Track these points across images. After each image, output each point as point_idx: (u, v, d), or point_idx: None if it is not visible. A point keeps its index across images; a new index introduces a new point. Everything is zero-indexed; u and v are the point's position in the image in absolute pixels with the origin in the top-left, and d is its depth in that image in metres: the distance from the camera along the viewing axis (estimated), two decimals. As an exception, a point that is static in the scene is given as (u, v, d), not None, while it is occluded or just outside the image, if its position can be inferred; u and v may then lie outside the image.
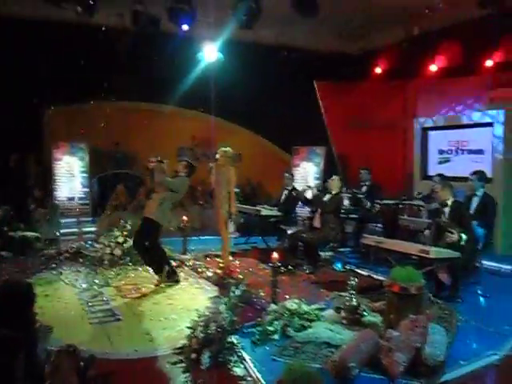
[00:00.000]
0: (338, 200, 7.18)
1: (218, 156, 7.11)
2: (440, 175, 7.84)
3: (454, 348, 4.08)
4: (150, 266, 6.59)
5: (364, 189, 8.54)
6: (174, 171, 6.90)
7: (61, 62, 9.59)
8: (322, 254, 7.04)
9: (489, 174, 7.77)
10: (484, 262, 6.66)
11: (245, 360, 3.86)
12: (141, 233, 6.40)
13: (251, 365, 3.77)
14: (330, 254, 7.32)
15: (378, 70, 11.42)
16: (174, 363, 3.89)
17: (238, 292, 4.23)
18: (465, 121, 8.82)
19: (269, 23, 10.47)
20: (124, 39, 9.54)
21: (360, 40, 11.79)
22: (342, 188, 7.87)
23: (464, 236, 5.46)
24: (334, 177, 7.48)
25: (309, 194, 7.82)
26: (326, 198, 7.25)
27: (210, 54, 10.35)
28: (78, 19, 7.59)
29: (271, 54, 11.34)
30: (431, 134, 9.42)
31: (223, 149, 7.10)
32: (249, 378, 3.63)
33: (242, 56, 10.86)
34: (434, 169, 9.16)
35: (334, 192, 7.21)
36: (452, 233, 5.46)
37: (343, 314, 4.67)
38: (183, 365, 3.85)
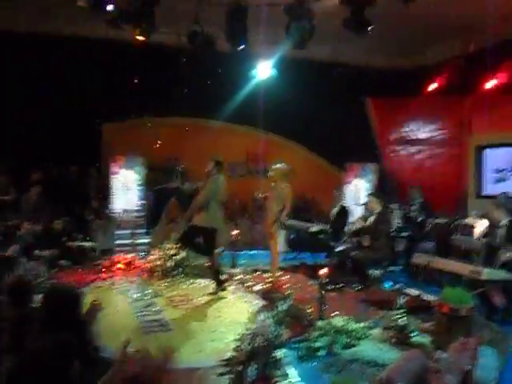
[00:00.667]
0: (382, 220, 7.07)
1: (271, 173, 7.23)
2: (504, 193, 7.62)
3: (505, 372, 3.96)
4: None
5: (414, 207, 8.41)
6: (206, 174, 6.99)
7: (118, 79, 10.03)
8: (370, 272, 6.96)
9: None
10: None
11: (290, 375, 3.89)
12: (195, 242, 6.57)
13: (296, 379, 3.80)
14: (379, 272, 7.22)
15: (433, 86, 11.26)
16: (221, 374, 3.98)
17: (285, 306, 4.28)
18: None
19: (322, 40, 10.53)
20: (180, 57, 9.86)
21: (414, 55, 11.70)
22: (386, 205, 7.83)
23: None
24: (369, 197, 7.38)
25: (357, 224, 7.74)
26: (370, 219, 7.16)
27: (263, 70, 10.54)
28: (131, 37, 7.91)
29: (324, 70, 11.42)
30: (487, 151, 9.18)
31: (277, 165, 7.21)
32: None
33: (295, 72, 10.99)
34: (489, 187, 8.91)
35: (376, 211, 7.12)
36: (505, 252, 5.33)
37: (391, 333, 4.62)
38: (229, 376, 3.94)
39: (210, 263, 6.77)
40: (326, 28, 8.01)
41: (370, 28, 7.11)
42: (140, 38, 7.48)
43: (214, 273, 6.65)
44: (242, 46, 8.49)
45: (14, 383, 1.78)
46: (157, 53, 9.83)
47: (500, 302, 5.33)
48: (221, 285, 6.57)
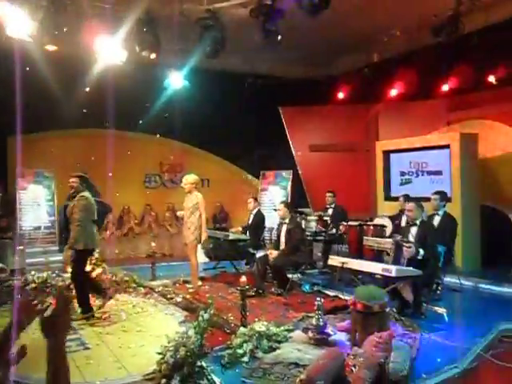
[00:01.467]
0: (294, 226, 7.27)
1: (183, 183, 7.27)
2: (405, 195, 8.13)
3: (417, 363, 4.22)
4: None
5: (330, 211, 8.73)
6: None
7: (21, 92, 9.56)
8: (290, 275, 7.13)
9: (448, 194, 8.09)
10: (446, 279, 6.92)
11: (215, 383, 3.91)
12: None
13: (221, 388, 3.83)
14: (298, 275, 7.43)
15: (341, 95, 11.79)
16: (145, 389, 3.92)
17: (206, 316, 4.27)
18: (424, 143, 9.16)
19: (234, 50, 10.72)
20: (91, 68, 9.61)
21: (323, 66, 12.17)
22: (296, 211, 8.15)
23: (421, 251, 5.69)
24: (280, 206, 7.62)
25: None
26: (285, 228, 7.33)
27: (176, 81, 10.51)
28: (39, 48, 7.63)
29: (237, 80, 11.58)
30: (393, 156, 9.73)
31: (188, 175, 7.28)
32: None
33: (208, 83, 11.06)
34: (396, 190, 9.45)
35: (286, 219, 7.34)
36: (410, 247, 5.70)
37: (310, 334, 4.77)
38: (154, 391, 3.89)
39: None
40: (239, 39, 8.17)
41: (279, 38, 7.35)
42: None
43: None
44: (153, 55, 8.45)
45: None
46: (68, 63, 9.51)
47: (410, 297, 5.67)
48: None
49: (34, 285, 7.52)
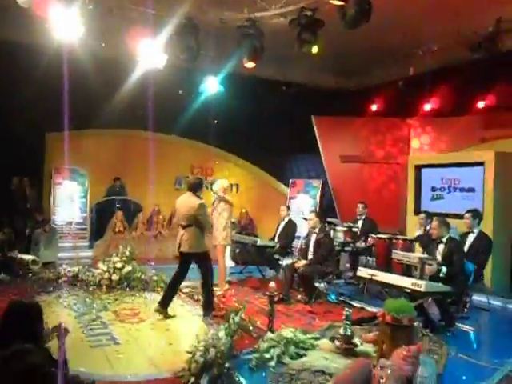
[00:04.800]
0: (324, 236, 7.31)
1: (214, 187, 7.41)
2: (425, 212, 8.14)
3: (443, 380, 4.22)
4: None
5: (360, 222, 8.74)
6: None
7: (62, 90, 9.83)
8: (317, 285, 7.17)
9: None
10: (474, 298, 6.87)
11: (243, 385, 3.99)
12: None
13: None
14: (324, 285, 7.45)
15: (374, 107, 11.81)
16: (174, 387, 4.02)
17: (237, 319, 4.36)
18: (457, 159, 9.10)
19: (270, 58, 10.84)
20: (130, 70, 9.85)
21: (358, 77, 12.20)
22: (326, 220, 8.18)
23: (444, 268, 5.68)
24: (310, 215, 7.66)
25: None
26: (314, 237, 7.36)
27: (211, 86, 10.69)
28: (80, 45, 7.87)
29: (271, 88, 11.71)
30: (424, 171, 9.68)
31: (218, 181, 7.41)
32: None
33: (243, 89, 11.23)
34: (426, 205, 9.39)
35: (316, 229, 7.37)
36: (430, 264, 5.69)
37: (337, 343, 4.80)
38: (182, 388, 3.99)
39: None
40: (275, 47, 8.28)
41: (316, 48, 7.44)
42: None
43: None
44: (192, 61, 8.61)
45: None
46: (110, 65, 9.77)
47: (435, 316, 5.66)
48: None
49: (65, 278, 7.74)
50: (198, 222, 6.09)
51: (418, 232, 8.03)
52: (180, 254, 6.31)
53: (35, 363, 1.88)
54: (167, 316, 6.06)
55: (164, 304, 6.14)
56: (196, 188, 6.25)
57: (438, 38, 9.24)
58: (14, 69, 9.40)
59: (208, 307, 6.05)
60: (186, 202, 6.20)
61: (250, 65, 7.98)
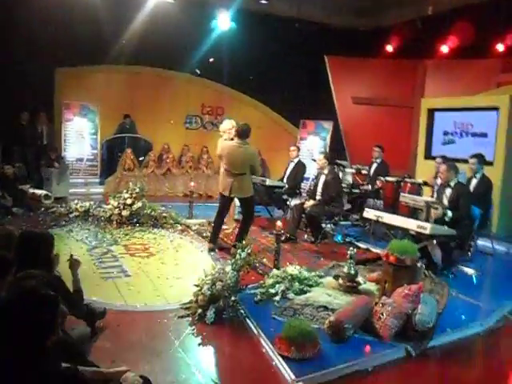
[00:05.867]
0: (332, 177, 7.32)
1: (221, 127, 7.26)
2: (443, 157, 8.02)
3: (443, 318, 4.34)
4: None
5: (374, 166, 8.72)
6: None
7: (72, 25, 9.67)
8: (323, 225, 7.26)
9: (491, 158, 7.97)
10: (479, 242, 6.95)
11: (247, 317, 4.14)
12: None
13: (253, 322, 4.05)
14: (331, 226, 7.55)
15: (390, 48, 11.50)
16: (181, 317, 4.18)
17: (243, 254, 4.47)
18: (471, 104, 8.92)
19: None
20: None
21: (373, 16, 11.81)
22: (336, 162, 8.19)
23: (449, 213, 5.73)
24: (319, 156, 7.66)
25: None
26: (322, 179, 7.38)
27: (223, 22, 10.41)
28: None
29: (284, 25, 11.40)
30: (437, 114, 9.53)
31: (226, 120, 7.25)
32: (250, 333, 3.92)
33: (254, 26, 10.94)
34: (437, 149, 9.31)
35: (325, 171, 7.37)
36: (436, 208, 5.74)
37: (341, 281, 4.93)
38: (189, 319, 4.14)
39: None
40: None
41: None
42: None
43: None
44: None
45: (4, 315, 1.87)
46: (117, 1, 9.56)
47: (437, 259, 5.75)
48: None
49: (76, 213, 7.89)
50: (253, 170, 6.25)
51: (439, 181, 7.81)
52: (224, 195, 6.37)
53: (33, 286, 1.97)
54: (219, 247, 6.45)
55: (214, 241, 6.45)
56: (247, 135, 6.26)
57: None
58: (23, 3, 9.21)
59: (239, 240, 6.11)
60: (240, 150, 6.19)
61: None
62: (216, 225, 6.52)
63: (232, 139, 6.45)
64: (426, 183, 8.02)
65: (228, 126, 6.83)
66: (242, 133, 6.24)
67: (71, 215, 7.84)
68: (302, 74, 11.78)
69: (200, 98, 12.41)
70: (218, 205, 6.64)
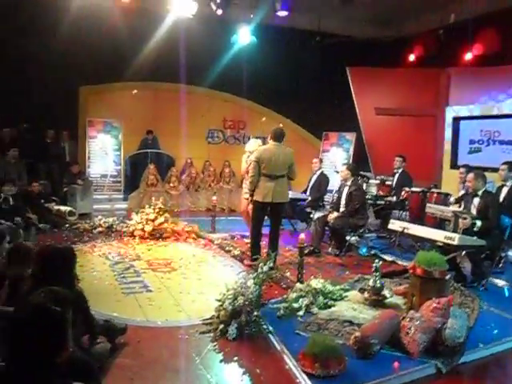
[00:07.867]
0: (356, 189, 7.18)
1: (248, 147, 7.29)
2: (466, 165, 7.84)
3: (474, 332, 4.17)
4: None
5: (396, 176, 8.57)
6: None
7: (94, 44, 9.84)
8: (347, 238, 7.13)
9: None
10: (510, 253, 6.72)
11: (270, 333, 4.04)
12: None
13: (276, 337, 3.94)
14: (355, 238, 7.41)
15: (412, 57, 11.37)
16: (203, 333, 4.10)
17: (266, 268, 4.39)
18: (497, 111, 8.73)
19: (303, 8, 10.51)
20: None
21: (395, 26, 11.72)
22: (359, 174, 8.07)
23: (478, 222, 5.53)
24: (342, 168, 7.55)
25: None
26: (346, 190, 7.24)
27: (243, 37, 10.45)
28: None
29: (305, 38, 11.40)
30: (462, 123, 9.35)
31: (252, 140, 7.29)
32: (273, 350, 3.82)
33: (276, 40, 10.97)
34: (463, 158, 9.12)
35: (349, 183, 7.25)
36: (465, 218, 5.55)
37: (367, 295, 4.79)
38: (211, 335, 4.06)
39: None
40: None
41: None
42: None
43: None
44: (219, 12, 8.43)
45: (16, 330, 1.84)
46: (140, 16, 9.70)
47: (467, 271, 5.56)
48: None
49: (100, 229, 7.94)
50: (291, 172, 6.23)
51: (462, 191, 7.64)
52: (266, 204, 6.17)
53: (38, 302, 1.93)
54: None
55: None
56: (283, 137, 6.28)
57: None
58: (46, 24, 9.42)
59: (273, 249, 5.93)
60: (280, 151, 6.17)
61: (283, 13, 7.73)
62: (257, 240, 6.31)
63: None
64: (457, 201, 7.77)
65: (255, 146, 6.86)
66: (278, 135, 6.26)
67: (95, 231, 7.90)
68: (323, 86, 11.71)
69: (221, 112, 12.46)
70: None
